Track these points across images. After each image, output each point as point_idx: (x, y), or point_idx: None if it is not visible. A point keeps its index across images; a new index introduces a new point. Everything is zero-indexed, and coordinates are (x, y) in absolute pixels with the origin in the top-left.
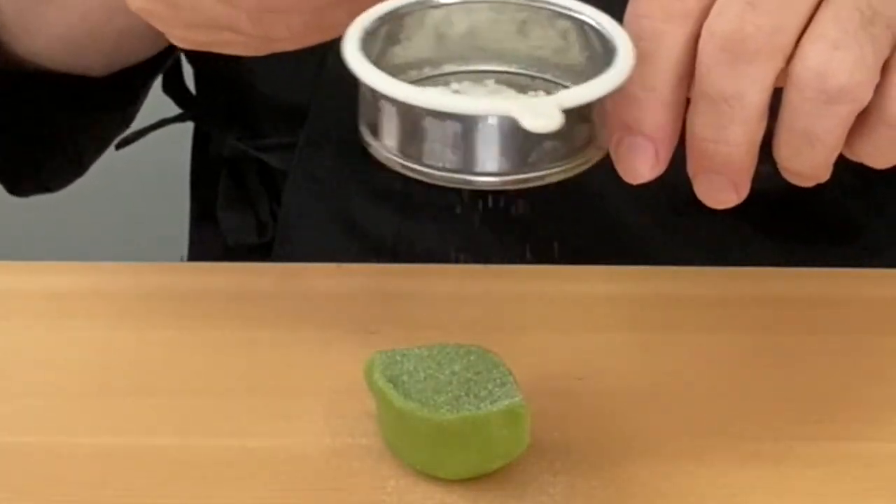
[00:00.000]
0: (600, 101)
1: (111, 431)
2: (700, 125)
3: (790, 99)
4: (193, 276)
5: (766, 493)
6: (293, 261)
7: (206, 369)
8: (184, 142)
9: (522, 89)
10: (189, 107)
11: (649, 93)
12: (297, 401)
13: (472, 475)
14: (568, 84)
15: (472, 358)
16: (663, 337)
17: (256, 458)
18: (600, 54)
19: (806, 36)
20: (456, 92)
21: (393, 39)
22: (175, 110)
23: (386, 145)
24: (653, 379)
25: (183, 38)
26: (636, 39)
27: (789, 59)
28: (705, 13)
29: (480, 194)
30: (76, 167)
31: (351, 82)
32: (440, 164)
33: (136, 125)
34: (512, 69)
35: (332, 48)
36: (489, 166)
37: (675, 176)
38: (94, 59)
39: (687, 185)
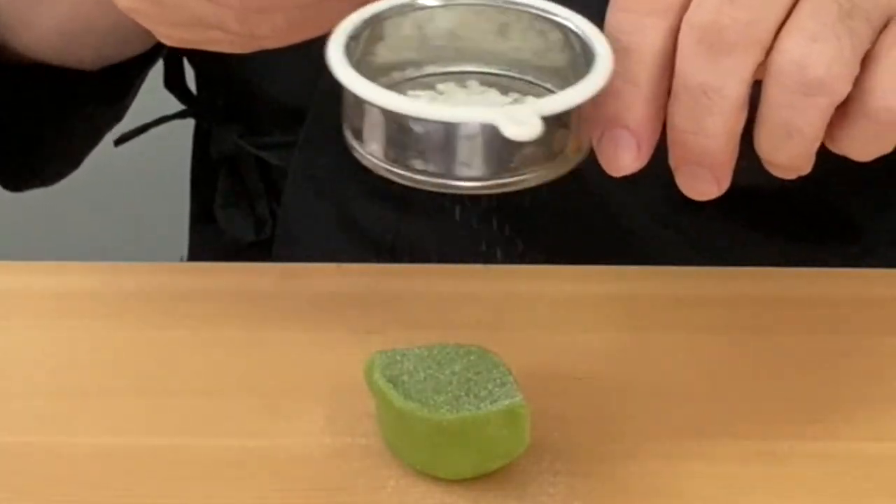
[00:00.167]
0: (579, 107)
1: (111, 431)
2: (680, 117)
3: (769, 91)
4: (193, 276)
5: (767, 493)
6: (293, 259)
7: (206, 369)
8: (184, 142)
9: (504, 90)
10: (190, 103)
11: (631, 86)
12: (297, 401)
13: (472, 475)
14: (548, 85)
15: (472, 358)
16: (663, 337)
17: (256, 458)
18: (580, 56)
19: (785, 28)
20: (441, 94)
21: (377, 42)
22: (174, 109)
23: (370, 149)
24: (653, 379)
25: (169, 35)
26: (618, 33)
27: (768, 52)
28: (685, 6)
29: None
30: (70, 160)
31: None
32: (423, 169)
33: (136, 122)
34: (493, 70)
35: None
36: (471, 171)
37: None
38: (85, 53)
39: None
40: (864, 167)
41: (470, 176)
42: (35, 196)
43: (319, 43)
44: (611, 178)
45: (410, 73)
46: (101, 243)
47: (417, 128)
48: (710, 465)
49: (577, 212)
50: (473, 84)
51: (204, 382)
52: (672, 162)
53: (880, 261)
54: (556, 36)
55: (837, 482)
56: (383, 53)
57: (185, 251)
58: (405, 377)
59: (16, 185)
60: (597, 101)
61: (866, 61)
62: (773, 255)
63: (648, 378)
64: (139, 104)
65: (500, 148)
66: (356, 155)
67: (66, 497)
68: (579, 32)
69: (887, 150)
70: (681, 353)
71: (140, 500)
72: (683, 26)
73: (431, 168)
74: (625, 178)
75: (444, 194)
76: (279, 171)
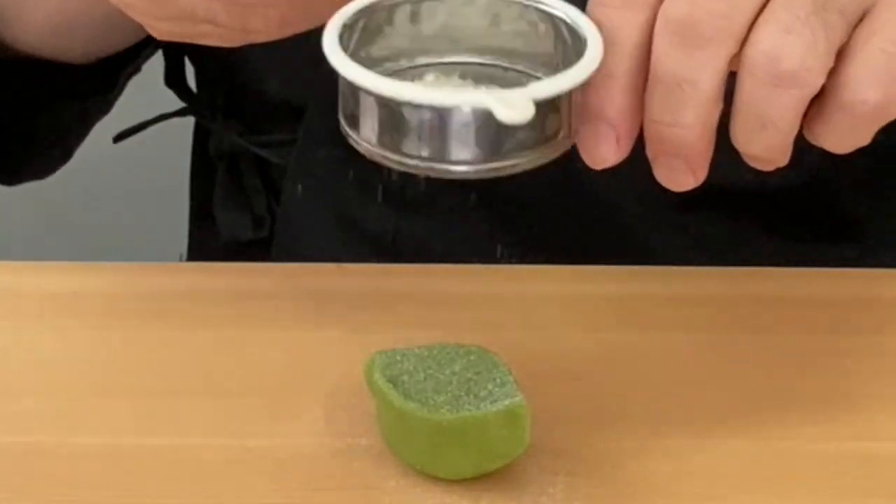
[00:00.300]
0: (570, 92)
1: (111, 431)
2: (655, 108)
3: (743, 83)
4: (193, 276)
5: (767, 493)
6: (292, 257)
7: (206, 369)
8: (184, 140)
9: (496, 81)
10: (191, 101)
11: (609, 79)
12: (297, 401)
13: (471, 475)
14: (539, 75)
15: (472, 358)
16: (663, 337)
17: (256, 458)
18: (570, 45)
19: (758, 21)
20: (432, 83)
21: (370, 33)
22: (174, 107)
23: (365, 136)
24: (653, 379)
25: (159, 29)
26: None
27: (743, 44)
28: (661, 0)
29: (479, 191)
30: (62, 153)
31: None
32: (416, 154)
33: (136, 120)
34: (485, 61)
35: None
36: (464, 155)
37: None
38: (75, 46)
39: None
40: (865, 167)
41: (463, 160)
42: (34, 194)
43: (319, 41)
44: (611, 177)
45: (403, 63)
46: (100, 241)
47: (410, 112)
48: (710, 465)
49: (578, 212)
50: (466, 75)
51: (204, 382)
52: (649, 153)
53: (880, 261)
54: (546, 26)
55: (837, 482)
56: (377, 44)
57: (184, 249)
58: (405, 377)
59: (14, 179)
60: (587, 86)
61: (841, 54)
62: (774, 255)
63: (648, 378)
64: (139, 102)
65: (492, 132)
66: (351, 142)
67: (66, 497)
68: (569, 21)
69: (864, 142)
70: (681, 353)
71: (140, 500)
72: (659, 19)
73: (424, 153)
74: (624, 178)
75: (449, 190)
76: (278, 170)
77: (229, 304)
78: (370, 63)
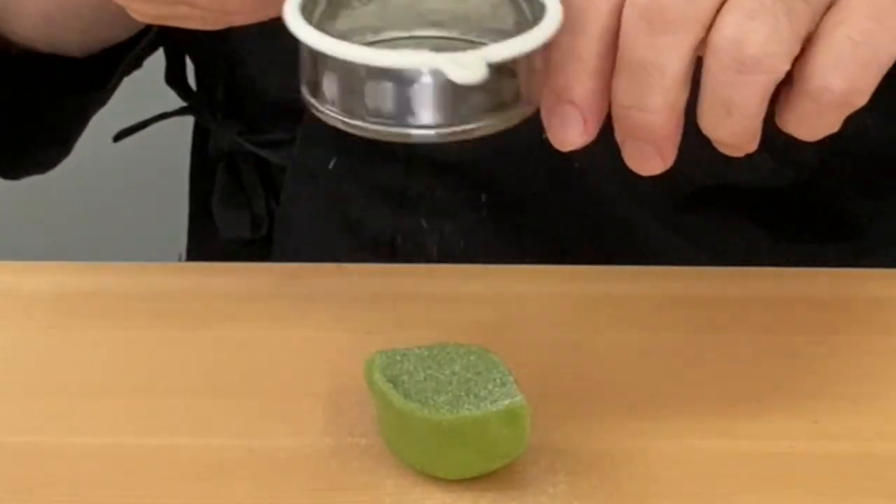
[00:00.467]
0: (527, 58)
1: (111, 431)
2: (622, 92)
3: (708, 68)
4: (193, 276)
5: (767, 493)
6: (292, 257)
7: (206, 369)
8: (183, 140)
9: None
10: (191, 100)
11: (576, 62)
12: (297, 401)
13: (472, 475)
14: None
15: (472, 358)
16: (663, 337)
17: (256, 458)
18: (536, 21)
19: (724, 7)
20: (390, 47)
21: (335, 6)
22: (175, 106)
23: (326, 103)
24: (653, 379)
25: (141, 11)
26: (565, 10)
27: (709, 30)
28: None
29: (479, 191)
30: (62, 145)
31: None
32: (376, 119)
33: (136, 118)
34: (452, 35)
35: None
36: (421, 119)
37: (676, 174)
38: (69, 38)
39: (687, 183)
40: (863, 167)
41: (420, 124)
42: (34, 194)
43: None
44: (611, 176)
45: (369, 37)
46: (100, 240)
47: (366, 74)
48: (710, 465)
49: (578, 211)
50: (430, 49)
51: (204, 382)
52: (618, 137)
53: (880, 261)
54: (511, 2)
55: (837, 482)
56: (342, 18)
57: (183, 249)
58: (405, 377)
59: (16, 173)
60: (547, 58)
61: (808, 42)
62: (773, 255)
63: (648, 378)
64: (139, 101)
65: (448, 94)
66: (314, 111)
67: (66, 497)
68: None
69: (832, 129)
70: (681, 353)
71: (140, 500)
72: (627, 4)
73: (383, 117)
74: (624, 177)
75: (449, 189)
76: (278, 170)
77: (229, 304)
78: (335, 37)
